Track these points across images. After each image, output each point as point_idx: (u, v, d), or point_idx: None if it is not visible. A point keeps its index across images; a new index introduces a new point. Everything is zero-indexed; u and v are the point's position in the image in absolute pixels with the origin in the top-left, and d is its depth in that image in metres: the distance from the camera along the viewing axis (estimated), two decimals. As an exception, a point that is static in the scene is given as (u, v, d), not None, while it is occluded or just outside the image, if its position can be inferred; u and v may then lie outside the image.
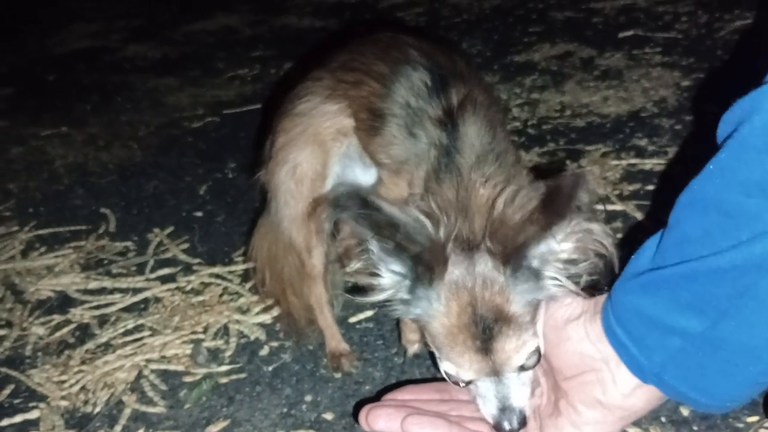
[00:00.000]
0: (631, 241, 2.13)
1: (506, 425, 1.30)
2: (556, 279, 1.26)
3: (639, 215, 2.22)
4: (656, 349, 1.10)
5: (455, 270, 1.26)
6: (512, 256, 1.23)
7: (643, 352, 1.12)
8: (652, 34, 3.60)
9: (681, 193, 1.08)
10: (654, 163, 2.49)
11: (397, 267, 1.28)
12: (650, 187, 2.36)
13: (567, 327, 1.25)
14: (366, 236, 1.26)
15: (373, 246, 1.27)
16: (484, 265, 1.25)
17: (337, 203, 1.26)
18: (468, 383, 1.31)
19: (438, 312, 1.27)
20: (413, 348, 1.83)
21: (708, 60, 3.20)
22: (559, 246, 1.24)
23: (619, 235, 2.17)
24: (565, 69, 3.43)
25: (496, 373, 1.28)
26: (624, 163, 2.53)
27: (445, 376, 1.33)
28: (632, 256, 1.18)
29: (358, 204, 1.23)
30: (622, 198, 2.33)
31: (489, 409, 1.31)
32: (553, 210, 1.19)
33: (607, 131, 2.79)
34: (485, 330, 1.24)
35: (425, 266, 1.25)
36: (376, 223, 1.23)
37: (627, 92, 3.06)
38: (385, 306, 1.36)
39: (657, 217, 2.20)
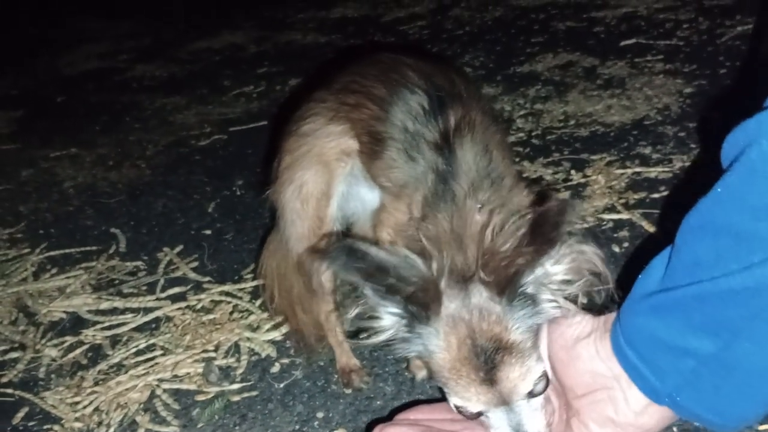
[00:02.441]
0: (638, 250, 2.14)
1: None
2: (553, 301, 1.29)
3: (645, 224, 2.23)
4: (669, 371, 1.10)
5: (451, 304, 1.28)
6: (507, 286, 1.25)
7: (656, 374, 1.12)
8: (654, 41, 3.61)
9: (688, 214, 1.08)
10: (659, 171, 2.50)
11: (393, 308, 1.30)
12: (656, 196, 2.37)
13: (577, 346, 1.25)
14: (359, 284, 1.28)
15: (368, 291, 1.29)
16: (480, 297, 1.27)
17: (326, 256, 1.29)
18: (479, 414, 1.32)
19: (438, 347, 1.28)
20: (421, 374, 1.84)
21: (710, 66, 3.21)
22: (553, 269, 1.26)
23: (626, 245, 2.18)
24: (568, 79, 3.44)
25: (504, 402, 1.28)
26: (629, 171, 2.54)
27: (454, 410, 1.34)
28: (639, 277, 1.18)
29: (346, 255, 1.25)
30: (628, 207, 2.34)
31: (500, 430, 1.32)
32: (541, 237, 1.21)
33: (611, 140, 2.80)
34: (487, 361, 1.25)
35: (420, 304, 1.27)
36: (366, 271, 1.24)
37: (630, 100, 3.07)
38: (387, 346, 1.38)
39: (664, 226, 2.21)
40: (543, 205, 1.23)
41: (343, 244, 1.27)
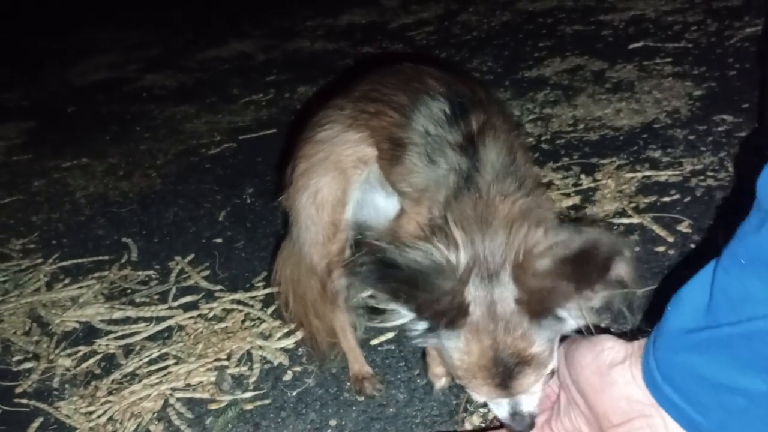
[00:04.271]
0: (648, 255, 2.14)
1: (518, 427, 1.38)
2: (579, 318, 1.30)
3: (656, 228, 2.22)
4: (713, 407, 1.06)
5: (477, 311, 1.28)
6: (541, 313, 1.27)
7: (698, 409, 1.08)
8: (663, 44, 3.61)
9: (732, 246, 1.03)
10: (669, 175, 2.49)
11: (423, 323, 1.32)
12: (666, 199, 2.36)
13: (611, 372, 1.22)
14: (387, 300, 1.30)
15: (394, 306, 1.31)
16: (506, 308, 1.28)
17: (353, 271, 1.31)
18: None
19: (458, 351, 1.31)
20: (440, 383, 1.83)
21: (720, 68, 3.20)
22: (590, 300, 1.27)
23: (637, 249, 2.17)
24: (577, 83, 3.44)
25: (510, 396, 1.34)
26: (639, 175, 2.53)
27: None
28: (669, 309, 1.13)
29: (374, 267, 1.26)
30: (638, 211, 2.34)
31: (501, 413, 1.39)
32: (587, 275, 1.21)
33: (620, 144, 2.79)
34: (506, 371, 1.29)
35: (447, 319, 1.28)
36: (394, 288, 1.26)
37: (639, 104, 3.07)
38: (404, 330, 1.39)
39: (675, 229, 2.20)
40: (595, 239, 1.23)
41: (374, 258, 1.28)
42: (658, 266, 2.08)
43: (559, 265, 1.23)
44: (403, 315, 1.34)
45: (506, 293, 1.28)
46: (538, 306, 1.26)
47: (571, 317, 1.30)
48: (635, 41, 3.72)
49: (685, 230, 2.19)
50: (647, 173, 2.54)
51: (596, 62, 3.61)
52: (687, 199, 2.34)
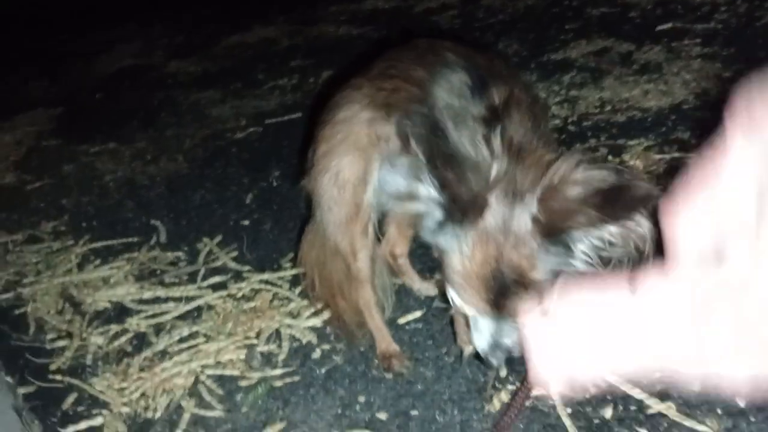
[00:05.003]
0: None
1: (493, 361, 1.40)
2: (587, 255, 1.29)
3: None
4: None
5: (491, 218, 1.29)
6: (554, 234, 1.26)
7: None
8: (691, 25, 3.56)
9: None
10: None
11: (439, 198, 1.32)
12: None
13: None
14: (420, 160, 1.29)
15: (424, 171, 1.30)
16: (521, 225, 1.28)
17: (410, 117, 1.31)
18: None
19: (461, 252, 1.31)
20: (470, 349, 1.84)
21: (749, 50, 3.15)
22: (613, 229, 1.26)
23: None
24: (604, 65, 3.41)
25: (497, 317, 1.35)
26: (667, 156, 2.51)
27: (450, 299, 1.40)
28: None
29: (429, 123, 1.27)
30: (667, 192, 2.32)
31: (480, 343, 1.40)
32: (612, 208, 1.21)
33: (648, 125, 2.77)
34: (502, 287, 1.29)
35: (462, 209, 1.29)
36: (434, 154, 1.26)
37: (667, 85, 3.04)
38: (420, 217, 1.39)
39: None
40: (630, 179, 1.22)
41: (429, 114, 1.30)
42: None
43: (590, 194, 1.23)
44: (424, 195, 1.33)
45: (526, 212, 1.28)
46: (552, 225, 1.25)
47: (579, 252, 1.29)
48: (663, 22, 3.67)
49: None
50: (676, 154, 2.51)
51: (623, 44, 3.57)
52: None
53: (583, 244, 1.28)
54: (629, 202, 1.20)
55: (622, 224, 1.24)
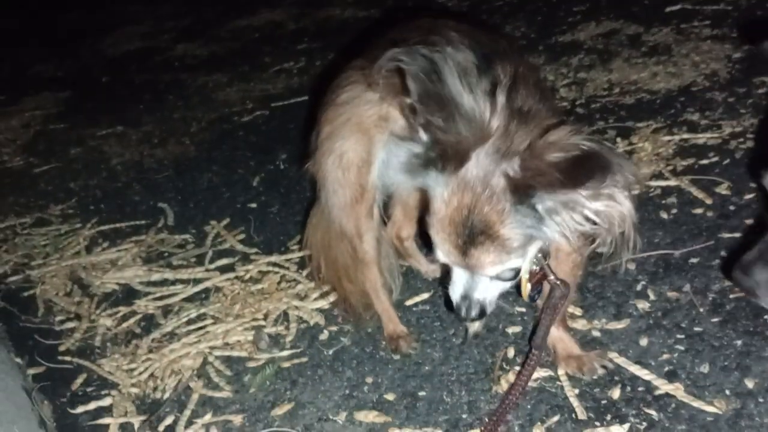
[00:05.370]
0: (685, 217, 2.11)
1: (463, 312, 1.49)
2: (561, 225, 1.33)
3: (694, 190, 2.20)
4: None
5: (473, 169, 1.34)
6: (520, 190, 1.32)
7: None
8: (701, 6, 3.52)
9: None
10: (707, 137, 2.45)
11: (424, 136, 1.38)
12: (705, 162, 2.33)
13: None
14: (413, 96, 1.35)
15: (414, 104, 1.36)
16: (499, 181, 1.33)
17: (414, 51, 1.35)
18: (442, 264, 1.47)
19: (441, 197, 1.38)
20: (474, 327, 1.85)
21: (759, 54, 3.11)
22: (584, 200, 1.30)
23: (674, 211, 2.15)
24: (612, 47, 3.38)
25: (469, 270, 1.43)
26: (676, 138, 2.49)
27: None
28: None
29: (427, 67, 1.31)
30: (675, 173, 2.31)
31: (454, 294, 1.47)
32: (574, 173, 1.25)
33: (657, 107, 2.75)
34: (470, 235, 1.36)
35: (442, 154, 1.34)
36: (426, 93, 1.31)
37: (676, 67, 3.01)
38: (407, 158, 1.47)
39: (713, 192, 2.17)
40: (605, 153, 1.27)
41: (432, 54, 1.33)
42: (696, 228, 2.06)
43: (562, 160, 1.27)
44: (415, 135, 1.40)
45: (507, 170, 1.33)
46: (521, 183, 1.31)
47: (551, 220, 1.33)
48: (672, 4, 3.63)
49: (724, 192, 2.16)
50: (685, 136, 2.50)
51: (632, 26, 3.53)
52: (726, 162, 2.30)
53: (556, 213, 1.32)
54: (589, 170, 1.25)
55: (593, 196, 1.29)
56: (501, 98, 1.37)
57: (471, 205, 1.35)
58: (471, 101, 1.33)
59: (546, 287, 1.64)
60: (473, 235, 1.36)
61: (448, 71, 1.32)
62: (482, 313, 1.50)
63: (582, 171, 1.25)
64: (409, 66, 1.33)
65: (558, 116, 1.52)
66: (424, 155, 1.40)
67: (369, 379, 1.85)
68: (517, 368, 1.75)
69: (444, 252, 1.42)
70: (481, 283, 1.46)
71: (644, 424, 1.55)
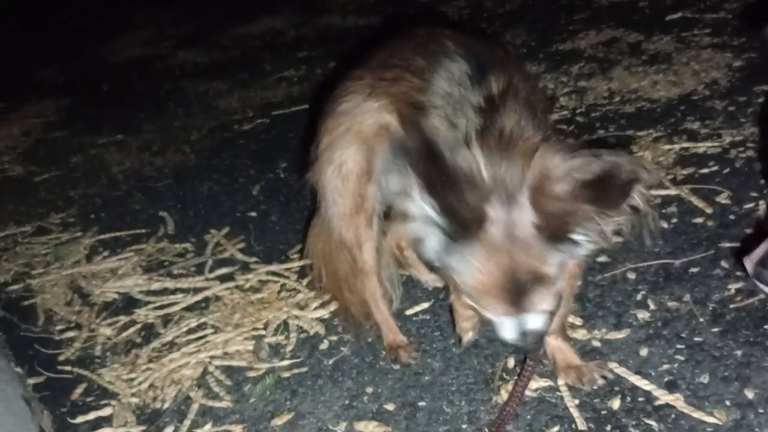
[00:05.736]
0: (686, 226, 2.11)
1: (527, 346, 1.47)
2: (593, 241, 1.33)
3: (694, 199, 2.20)
4: None
5: (494, 230, 1.32)
6: (559, 237, 1.31)
7: None
8: (701, 15, 3.53)
9: None
10: (708, 146, 2.45)
11: (438, 220, 1.33)
12: (705, 171, 2.33)
13: None
14: (416, 188, 1.30)
15: (420, 197, 1.31)
16: (525, 230, 1.31)
17: (402, 145, 1.31)
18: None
19: (473, 268, 1.35)
20: (467, 336, 1.85)
21: (760, 39, 3.12)
22: (607, 224, 1.29)
23: (674, 220, 2.15)
24: (612, 55, 3.39)
25: (522, 314, 1.39)
26: (677, 147, 2.50)
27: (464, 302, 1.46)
28: None
29: (423, 148, 1.27)
30: (676, 182, 2.31)
31: (508, 335, 1.43)
32: (610, 198, 1.24)
33: (657, 116, 2.75)
34: (519, 289, 1.34)
35: (463, 226, 1.31)
36: (432, 177, 1.27)
37: (677, 75, 3.01)
38: (421, 241, 1.41)
39: (714, 201, 2.17)
40: (614, 162, 1.25)
41: (426, 140, 1.28)
42: (697, 237, 2.05)
43: (579, 189, 1.26)
44: (419, 215, 1.35)
45: (524, 216, 1.31)
46: (556, 230, 1.30)
47: (587, 241, 1.33)
48: (673, 12, 3.64)
49: (724, 201, 2.16)
50: (685, 145, 2.50)
51: (632, 34, 3.54)
52: (726, 171, 2.30)
53: (590, 234, 1.32)
54: (619, 188, 1.24)
55: (621, 211, 1.28)
56: (476, 150, 1.36)
57: (510, 264, 1.32)
58: (466, 160, 1.32)
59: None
60: (521, 287, 1.34)
61: (445, 143, 1.31)
62: (541, 338, 1.49)
63: (613, 194, 1.25)
64: (407, 154, 1.30)
65: (543, 131, 1.51)
66: (445, 235, 1.35)
67: (369, 389, 1.85)
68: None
69: (495, 313, 1.40)
70: (532, 317, 1.42)
71: (645, 435, 1.54)
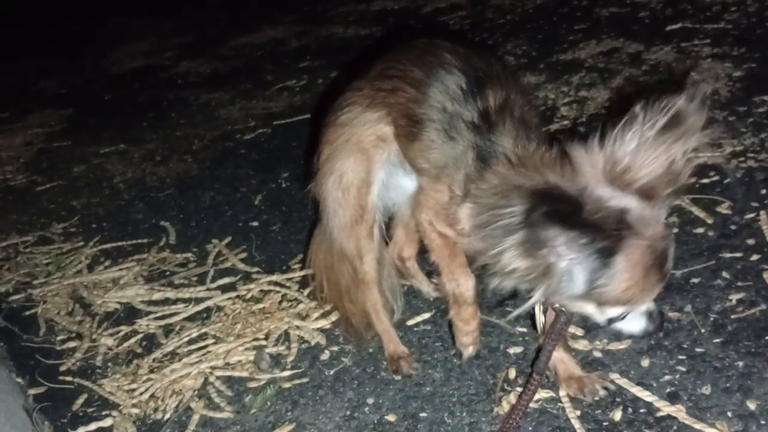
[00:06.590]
0: (686, 236, 2.11)
1: (657, 326, 1.53)
2: None
3: (695, 209, 2.20)
4: None
5: (641, 229, 1.36)
6: (667, 198, 1.39)
7: None
8: (701, 25, 3.54)
9: None
10: (708, 156, 2.45)
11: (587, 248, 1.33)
12: (705, 181, 2.33)
13: None
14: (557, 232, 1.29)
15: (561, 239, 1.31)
16: (643, 210, 1.36)
17: (537, 212, 1.27)
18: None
19: (617, 276, 1.36)
20: (468, 351, 1.83)
21: (760, 49, 3.13)
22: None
23: (675, 230, 2.15)
24: (613, 65, 3.40)
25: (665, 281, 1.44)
26: (677, 157, 2.49)
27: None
28: None
29: (559, 204, 1.28)
30: (676, 193, 2.31)
31: (637, 325, 1.51)
32: (690, 125, 1.39)
33: (658, 126, 2.75)
34: (663, 262, 1.39)
35: (610, 236, 1.32)
36: (568, 220, 1.28)
37: (676, 86, 3.01)
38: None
39: (714, 211, 2.17)
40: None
41: (566, 195, 1.30)
42: (697, 247, 2.06)
43: (656, 139, 1.37)
44: (569, 261, 1.35)
45: (633, 203, 1.35)
46: (659, 190, 1.37)
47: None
48: (673, 23, 3.65)
49: (724, 211, 2.17)
50: (686, 155, 2.49)
51: (633, 44, 3.55)
52: (727, 181, 2.30)
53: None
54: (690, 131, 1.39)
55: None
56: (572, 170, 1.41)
57: (651, 244, 1.35)
58: (592, 197, 1.36)
59: (551, 314, 1.63)
60: (665, 254, 1.39)
61: (578, 198, 1.33)
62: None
63: (690, 114, 1.40)
64: (552, 223, 1.30)
65: (544, 141, 1.54)
66: (597, 255, 1.35)
67: (370, 400, 1.84)
68: (519, 389, 1.74)
69: (649, 298, 1.46)
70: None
71: (646, 446, 1.54)
